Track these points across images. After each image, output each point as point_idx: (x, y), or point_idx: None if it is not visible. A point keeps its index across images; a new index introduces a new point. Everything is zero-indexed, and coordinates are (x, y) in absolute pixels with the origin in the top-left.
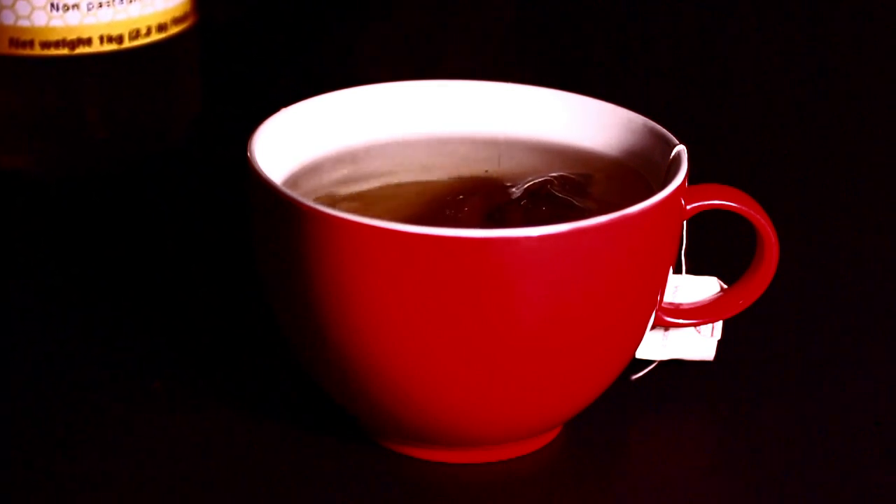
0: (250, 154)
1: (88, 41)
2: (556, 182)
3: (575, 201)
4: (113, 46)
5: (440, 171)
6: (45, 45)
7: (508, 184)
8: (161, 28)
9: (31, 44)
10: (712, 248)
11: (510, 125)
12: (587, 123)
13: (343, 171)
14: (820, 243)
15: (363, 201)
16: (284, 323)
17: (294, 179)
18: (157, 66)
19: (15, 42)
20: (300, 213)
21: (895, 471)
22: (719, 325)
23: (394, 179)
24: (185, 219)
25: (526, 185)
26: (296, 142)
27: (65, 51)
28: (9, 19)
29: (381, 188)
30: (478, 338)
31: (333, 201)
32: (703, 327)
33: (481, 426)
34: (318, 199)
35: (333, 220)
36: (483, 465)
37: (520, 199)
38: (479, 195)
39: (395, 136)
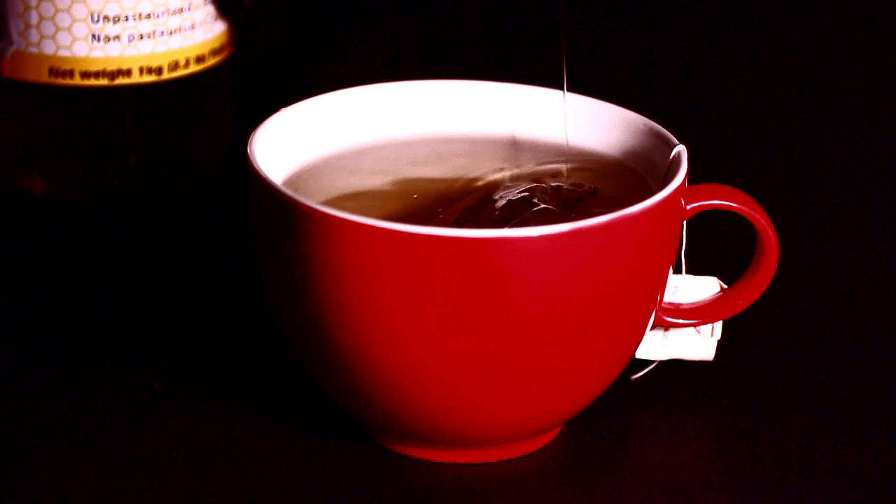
0: (250, 154)
1: (128, 72)
2: (549, 190)
3: (557, 210)
4: (152, 78)
5: (440, 171)
6: (85, 75)
7: (505, 186)
8: (199, 60)
9: (70, 73)
10: (712, 248)
11: (510, 125)
12: (587, 123)
13: (343, 171)
14: (820, 243)
15: (363, 201)
16: (285, 323)
17: (294, 179)
18: (194, 97)
19: (55, 71)
20: (300, 213)
21: (895, 471)
22: (719, 325)
23: (394, 180)
24: (186, 218)
25: (514, 192)
26: (296, 142)
27: (104, 81)
28: (50, 49)
29: (381, 188)
30: (478, 338)
31: (334, 201)
32: (703, 327)
33: (481, 426)
34: (319, 199)
35: (333, 220)
36: (483, 465)
37: (495, 203)
38: (474, 198)
39: (395, 136)
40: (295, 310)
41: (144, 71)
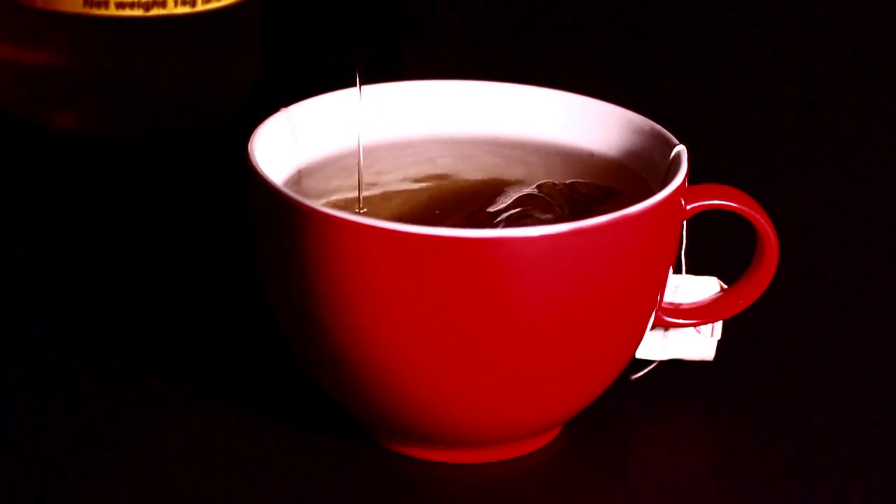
0: (250, 154)
1: (163, 3)
2: (560, 187)
3: (563, 208)
4: (186, 9)
5: (440, 171)
6: (121, 5)
7: (505, 188)
8: None
9: (106, 4)
10: (712, 248)
11: (510, 125)
12: (587, 123)
13: (343, 172)
14: (820, 243)
15: (363, 202)
16: (285, 323)
17: (294, 180)
18: (225, 30)
19: (90, 2)
20: (300, 213)
21: (895, 471)
22: (719, 325)
23: (393, 180)
24: (186, 218)
25: (520, 191)
26: (296, 142)
27: (139, 12)
28: None
29: (380, 188)
30: (477, 338)
31: (334, 202)
32: (703, 327)
33: (481, 426)
34: (319, 200)
35: (333, 220)
36: (483, 465)
37: (501, 202)
38: (475, 200)
39: (395, 136)
40: (295, 310)
41: (179, 2)
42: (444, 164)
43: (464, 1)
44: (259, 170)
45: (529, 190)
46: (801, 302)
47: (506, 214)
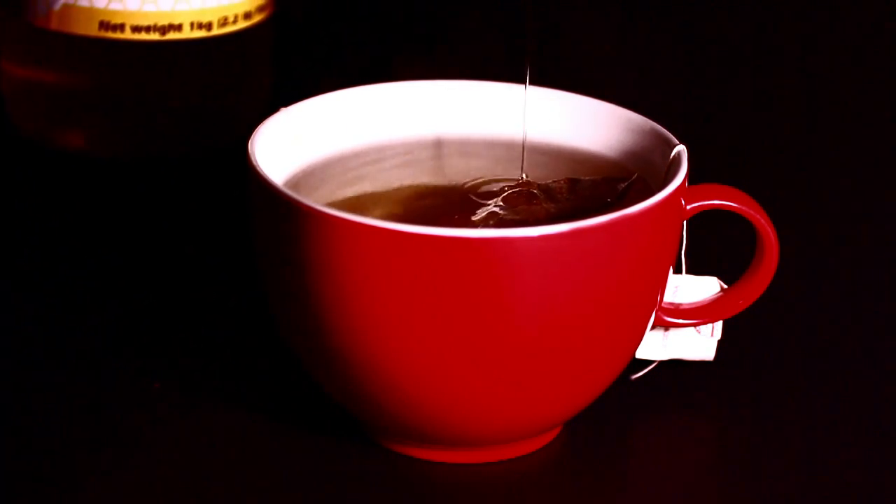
0: (250, 154)
1: (179, 27)
2: (542, 189)
3: (551, 209)
4: (202, 33)
5: (441, 171)
6: (137, 29)
7: (504, 188)
8: (247, 16)
9: (122, 27)
10: (712, 248)
11: (510, 125)
12: (587, 123)
13: (343, 171)
14: (820, 243)
15: (363, 202)
16: (284, 323)
17: (294, 180)
18: (240, 54)
19: (106, 25)
20: (300, 213)
21: (895, 471)
22: (719, 325)
23: (394, 180)
24: (186, 219)
25: (507, 192)
26: (296, 142)
27: (156, 36)
28: (101, 2)
29: (380, 188)
30: (477, 338)
31: (334, 201)
32: (703, 327)
33: (481, 426)
34: (319, 200)
35: (333, 220)
36: (483, 465)
37: (504, 199)
38: (472, 200)
39: (396, 136)
40: (295, 310)
41: (195, 26)
42: (444, 165)
43: (463, 1)
44: (259, 170)
45: (521, 187)
46: (801, 302)
47: (487, 210)
